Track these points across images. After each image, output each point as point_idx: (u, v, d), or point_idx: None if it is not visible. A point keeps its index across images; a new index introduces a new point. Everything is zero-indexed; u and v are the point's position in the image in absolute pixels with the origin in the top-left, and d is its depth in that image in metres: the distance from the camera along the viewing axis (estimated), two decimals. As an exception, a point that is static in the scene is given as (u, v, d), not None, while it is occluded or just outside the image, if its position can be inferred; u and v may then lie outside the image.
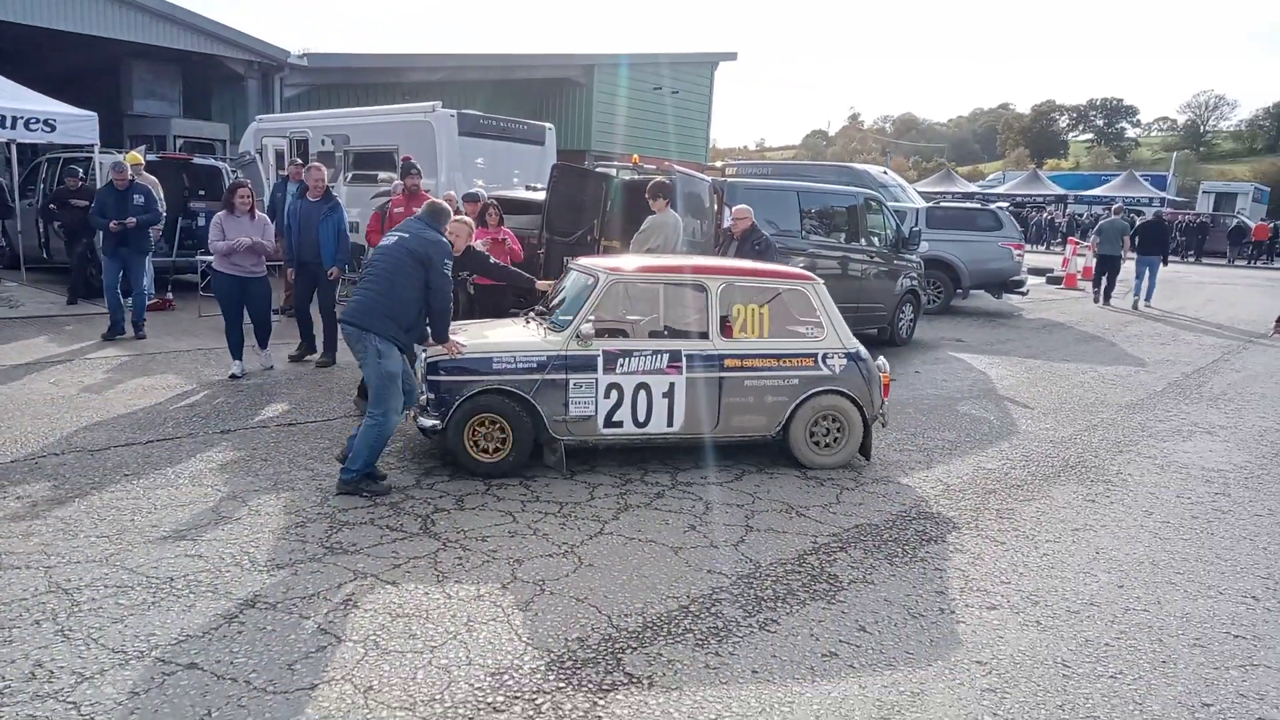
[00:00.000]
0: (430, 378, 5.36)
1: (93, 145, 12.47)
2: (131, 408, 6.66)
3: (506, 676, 3.24)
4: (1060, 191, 45.25)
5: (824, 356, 5.83)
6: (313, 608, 3.68)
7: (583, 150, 23.63)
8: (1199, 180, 54.21)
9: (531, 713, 3.03)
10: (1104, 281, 16.82)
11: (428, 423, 5.39)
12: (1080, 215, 39.29)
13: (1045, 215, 39.30)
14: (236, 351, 7.76)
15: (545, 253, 8.94)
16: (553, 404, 5.40)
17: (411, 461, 5.73)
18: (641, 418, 5.53)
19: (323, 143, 14.48)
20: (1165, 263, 17.24)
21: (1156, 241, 16.86)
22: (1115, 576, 4.48)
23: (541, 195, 10.01)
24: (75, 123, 12.21)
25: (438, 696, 3.09)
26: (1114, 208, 20.63)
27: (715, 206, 8.21)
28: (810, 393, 5.77)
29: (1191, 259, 32.32)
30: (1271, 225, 35.93)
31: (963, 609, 4.02)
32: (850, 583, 4.22)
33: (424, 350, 5.44)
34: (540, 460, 5.58)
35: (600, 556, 4.37)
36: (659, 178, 8.56)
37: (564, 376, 5.40)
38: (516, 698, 3.11)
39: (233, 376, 7.64)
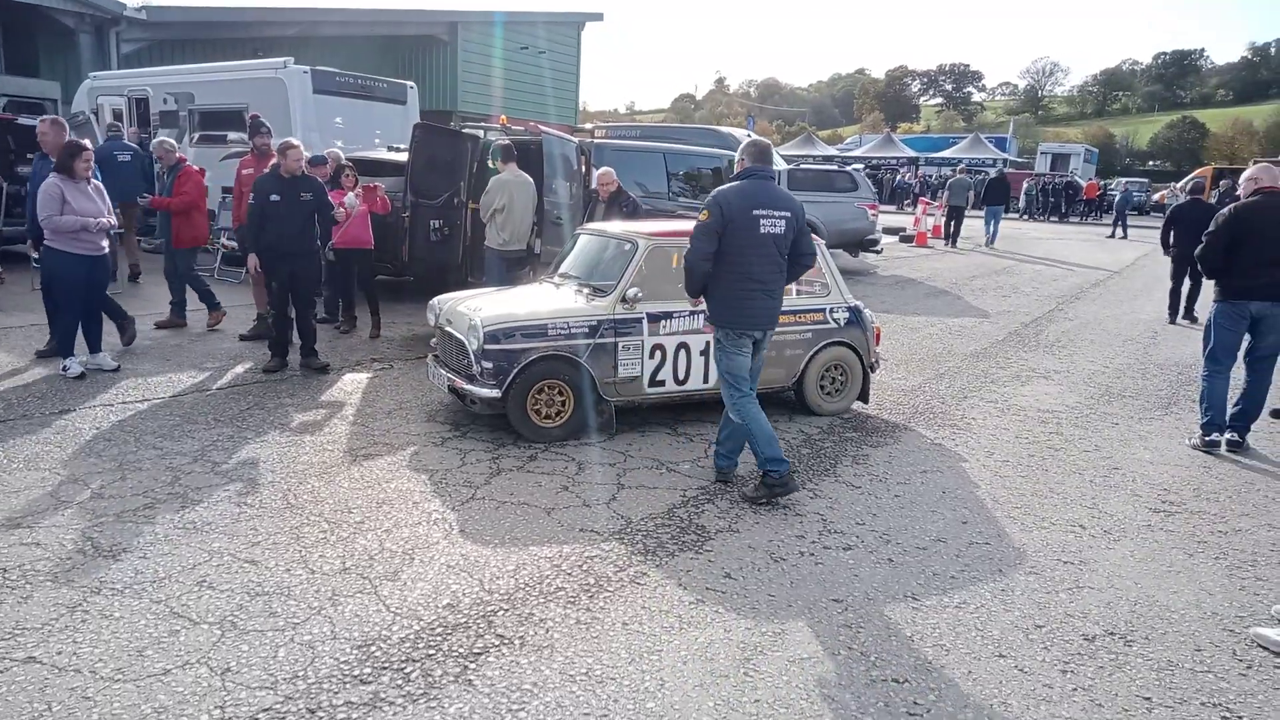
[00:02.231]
0: (487, 347, 5.37)
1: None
2: (-50, 390, 6.10)
3: (374, 648, 3.19)
4: (912, 154, 47.33)
5: (831, 311, 6.31)
6: (164, 591, 3.51)
7: (449, 111, 22.96)
8: (1037, 142, 57.76)
9: (401, 681, 3.00)
10: (953, 227, 20.78)
11: (485, 392, 5.40)
12: (930, 176, 41.22)
13: (899, 176, 41.02)
14: (70, 346, 6.58)
15: (410, 216, 8.70)
16: (603, 367, 5.60)
17: (276, 433, 5.51)
18: (682, 375, 5.83)
19: (165, 101, 13.56)
20: (1006, 210, 22.05)
21: (999, 195, 21.66)
22: (960, 514, 4.80)
23: (404, 157, 9.71)
24: None
25: (300, 673, 3.01)
26: (959, 168, 24.94)
27: (583, 169, 8.16)
28: (822, 345, 6.26)
29: (1057, 220, 33.87)
30: (1100, 184, 38.75)
31: (821, 551, 4.23)
32: (717, 532, 4.36)
33: (476, 318, 5.47)
34: (414, 426, 5.47)
35: (471, 522, 4.34)
36: (505, 140, 8.50)
37: (613, 339, 5.60)
38: (385, 668, 3.07)
39: (80, 377, 6.48)
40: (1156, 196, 39.79)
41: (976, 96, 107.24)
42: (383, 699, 2.90)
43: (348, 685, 2.96)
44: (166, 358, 7.32)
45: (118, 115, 14.01)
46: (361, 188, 8.48)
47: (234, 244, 10.29)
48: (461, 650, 3.21)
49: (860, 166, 21.06)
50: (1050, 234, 27.29)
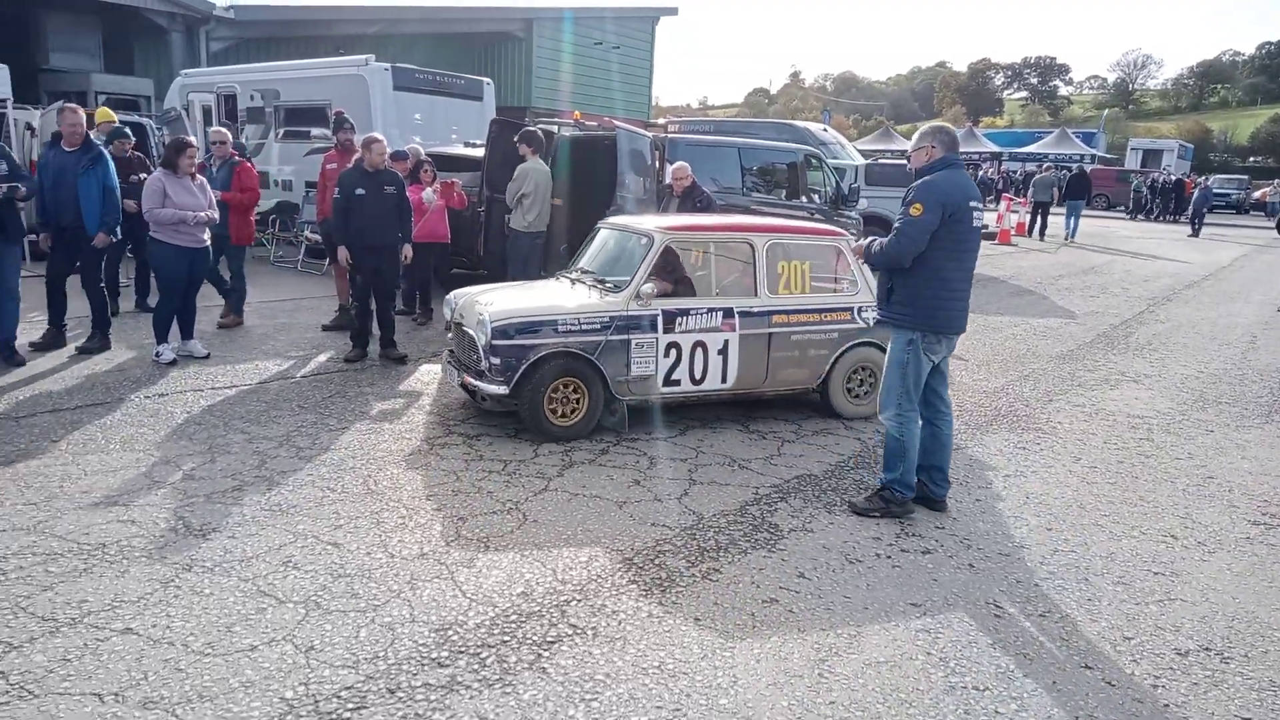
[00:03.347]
0: (495, 342, 5.25)
1: (4, 100, 11.87)
2: (58, 373, 6.42)
3: (451, 632, 3.24)
4: (995, 149, 46.02)
5: (859, 310, 6.04)
6: (251, 570, 3.62)
7: (523, 106, 23.21)
8: (1127, 137, 55.56)
9: (476, 666, 3.04)
10: (1039, 221, 21.87)
11: (493, 388, 5.29)
12: (1014, 172, 40.03)
13: (981, 172, 39.95)
14: (165, 334, 6.85)
15: (486, 211, 8.82)
16: (616, 364, 5.42)
17: (357, 420, 5.65)
18: (698, 375, 5.63)
19: (251, 98, 13.99)
20: (1089, 205, 23.26)
21: (1080, 190, 22.51)
22: (1044, 520, 4.64)
23: (480, 152, 9.86)
24: (-17, 75, 11.60)
25: (381, 654, 3.08)
26: (1044, 167, 26.02)
27: (657, 163, 8.16)
28: (848, 345, 6.01)
29: (1172, 219, 32.10)
30: (1195, 181, 37.07)
31: (898, 554, 4.14)
32: (790, 531, 4.31)
33: (484, 313, 5.34)
34: (492, 418, 5.54)
35: (545, 513, 4.38)
36: (530, 127, 8.63)
37: (626, 337, 5.43)
38: (461, 652, 3.12)
39: (172, 363, 6.75)
40: (1258, 194, 37.87)
41: (1063, 90, 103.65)
42: (459, 682, 2.94)
43: (425, 667, 3.02)
44: (253, 346, 7.57)
45: (206, 111, 14.55)
46: (439, 183, 8.62)
47: (317, 237, 10.59)
48: (535, 638, 3.24)
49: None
50: (1140, 232, 26.24)
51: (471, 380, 5.44)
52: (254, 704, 2.76)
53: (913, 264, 4.32)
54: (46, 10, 18.92)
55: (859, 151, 19.27)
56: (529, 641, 3.22)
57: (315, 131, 12.94)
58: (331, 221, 7.41)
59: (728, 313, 5.66)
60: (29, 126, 12.59)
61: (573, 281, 6.02)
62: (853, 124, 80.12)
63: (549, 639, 3.24)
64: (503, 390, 5.28)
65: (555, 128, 9.62)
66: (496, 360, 5.26)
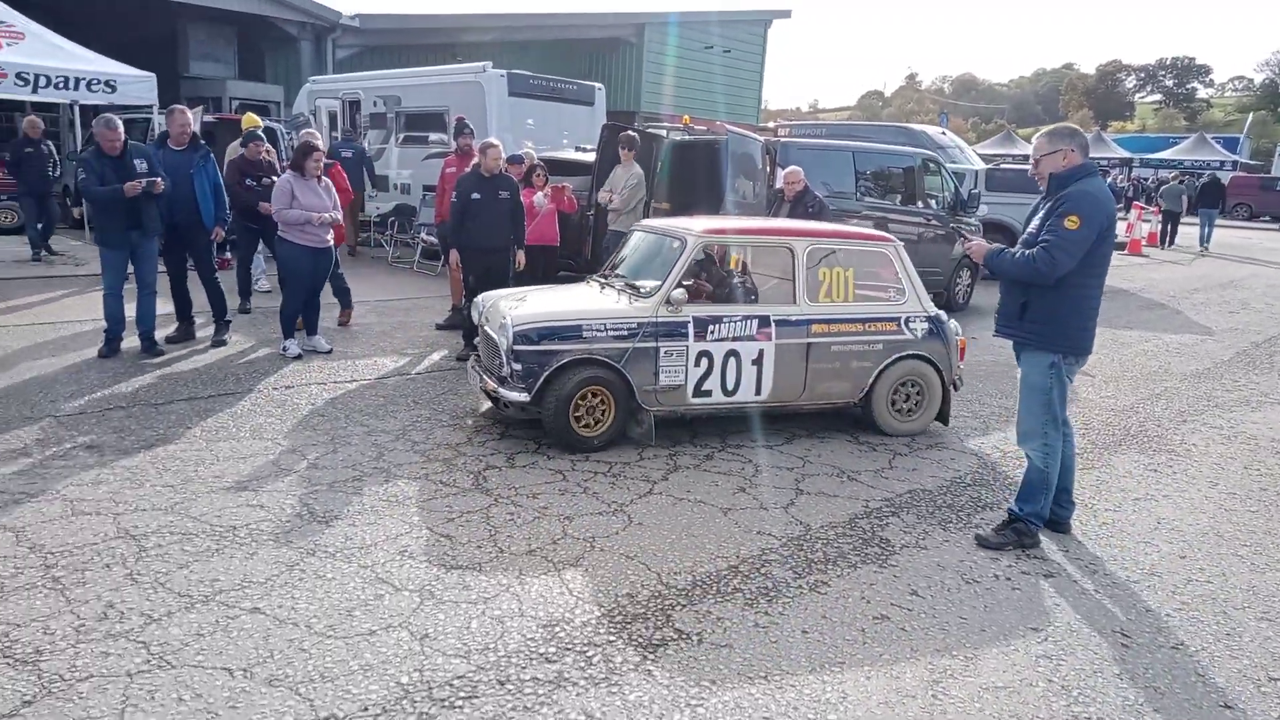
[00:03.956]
0: (517, 347, 5.06)
1: (150, 106, 12.71)
2: (193, 363, 6.83)
3: (558, 628, 3.28)
4: (1125, 155, 43.66)
5: (906, 320, 5.72)
6: (370, 557, 3.76)
7: (633, 111, 23.40)
8: (1275, 142, 51.79)
9: (583, 664, 3.06)
10: (1168, 229, 21.76)
11: (514, 395, 5.10)
12: (1145, 179, 37.91)
13: (1109, 179, 38.01)
14: (292, 329, 7.19)
15: (595, 214, 8.92)
16: (643, 373, 5.20)
17: (463, 418, 5.80)
18: (730, 386, 5.37)
19: (375, 104, 14.57)
20: (1225, 214, 23.28)
21: (1213, 198, 21.79)
22: (1177, 547, 4.36)
23: (591, 157, 9.99)
24: (135, 84, 12.45)
25: (491, 645, 3.14)
26: (1174, 176, 25.78)
27: (768, 168, 8.08)
28: (894, 358, 5.66)
29: None
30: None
31: (1018, 576, 3.96)
32: (902, 547, 4.18)
33: (507, 317, 5.20)
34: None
35: (649, 515, 4.39)
36: (629, 130, 8.71)
37: (654, 344, 5.20)
38: (568, 649, 3.15)
39: (298, 357, 7.04)
40: None
41: (1203, 92, 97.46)
42: (566, 679, 2.97)
43: (534, 662, 3.06)
44: (371, 343, 7.87)
45: (333, 116, 15.23)
46: (550, 187, 8.77)
47: (433, 239, 10.93)
48: (641, 640, 3.24)
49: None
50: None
51: (493, 386, 5.26)
52: (372, 687, 2.86)
53: (1065, 283, 3.95)
54: (188, 22, 20.18)
55: (979, 156, 18.62)
56: (635, 643, 3.22)
57: (433, 136, 13.39)
58: (448, 224, 7.63)
59: (764, 321, 5.39)
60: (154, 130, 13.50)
61: (603, 285, 5.81)
62: (971, 127, 77.51)
63: (655, 641, 3.24)
64: (524, 397, 5.07)
65: (664, 132, 9.67)
66: (518, 366, 5.08)
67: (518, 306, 5.38)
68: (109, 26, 18.87)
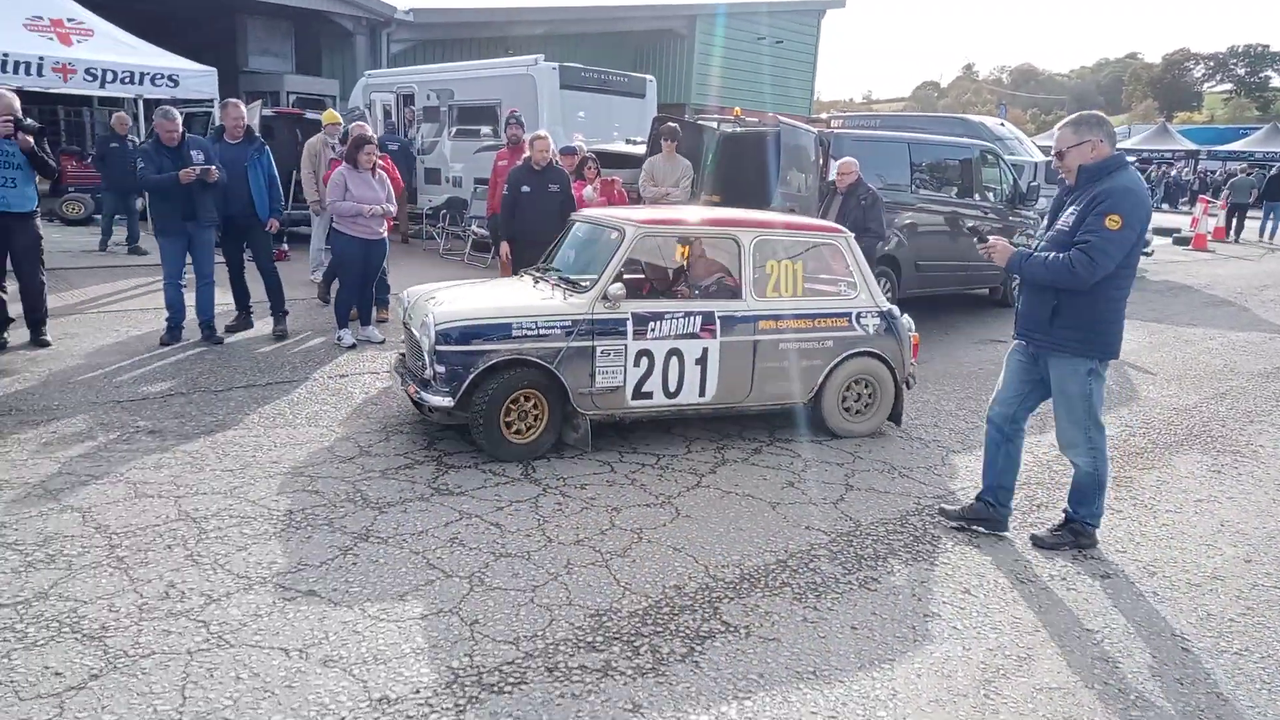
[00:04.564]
0: (439, 348, 4.70)
1: (212, 100, 13.01)
2: (251, 352, 6.99)
3: (605, 618, 3.30)
4: (1192, 146, 42.24)
5: (858, 316, 5.43)
6: (421, 544, 3.82)
7: (682, 103, 23.33)
8: (1352, 133, 49.63)
9: (630, 654, 3.07)
10: (1234, 223, 20.82)
11: (436, 400, 4.73)
12: (1212, 172, 36.67)
13: (1174, 172, 36.85)
14: (346, 319, 7.29)
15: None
16: (578, 375, 4.85)
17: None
18: (673, 387, 5.05)
19: (428, 97, 14.72)
20: None
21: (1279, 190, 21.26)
22: (1242, 550, 4.23)
23: (641, 149, 9.98)
24: (197, 78, 12.73)
25: (539, 633, 3.17)
26: (1241, 169, 25.14)
27: (821, 160, 7.99)
28: (845, 355, 5.38)
29: None
30: None
31: (1073, 576, 3.87)
32: (955, 545, 4.12)
33: (430, 314, 4.83)
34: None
35: (697, 508, 4.38)
36: (672, 122, 8.66)
37: (590, 343, 4.84)
38: (615, 639, 3.16)
39: (352, 347, 7.19)
40: None
41: (1276, 81, 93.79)
42: (614, 668, 2.98)
43: (581, 650, 3.08)
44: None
45: (387, 110, 15.43)
46: (599, 180, 8.78)
47: (484, 231, 11.03)
48: (688, 632, 3.24)
49: (1130, 160, 19.52)
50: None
51: (415, 390, 4.91)
52: (424, 670, 2.91)
53: (1102, 285, 3.73)
54: (247, 17, 20.59)
55: (1038, 148, 18.22)
56: (681, 634, 3.22)
57: (484, 130, 13.49)
58: (499, 216, 7.68)
59: (708, 317, 5.08)
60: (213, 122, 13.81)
61: (536, 280, 5.46)
62: (1030, 119, 75.63)
63: (702, 633, 3.24)
64: (447, 402, 4.71)
65: (714, 124, 9.61)
66: (441, 368, 4.72)
67: (443, 303, 5.01)
68: (171, 22, 19.32)
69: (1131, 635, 3.41)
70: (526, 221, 7.24)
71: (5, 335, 6.74)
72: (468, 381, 4.69)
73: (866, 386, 5.54)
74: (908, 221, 8.72)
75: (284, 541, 3.77)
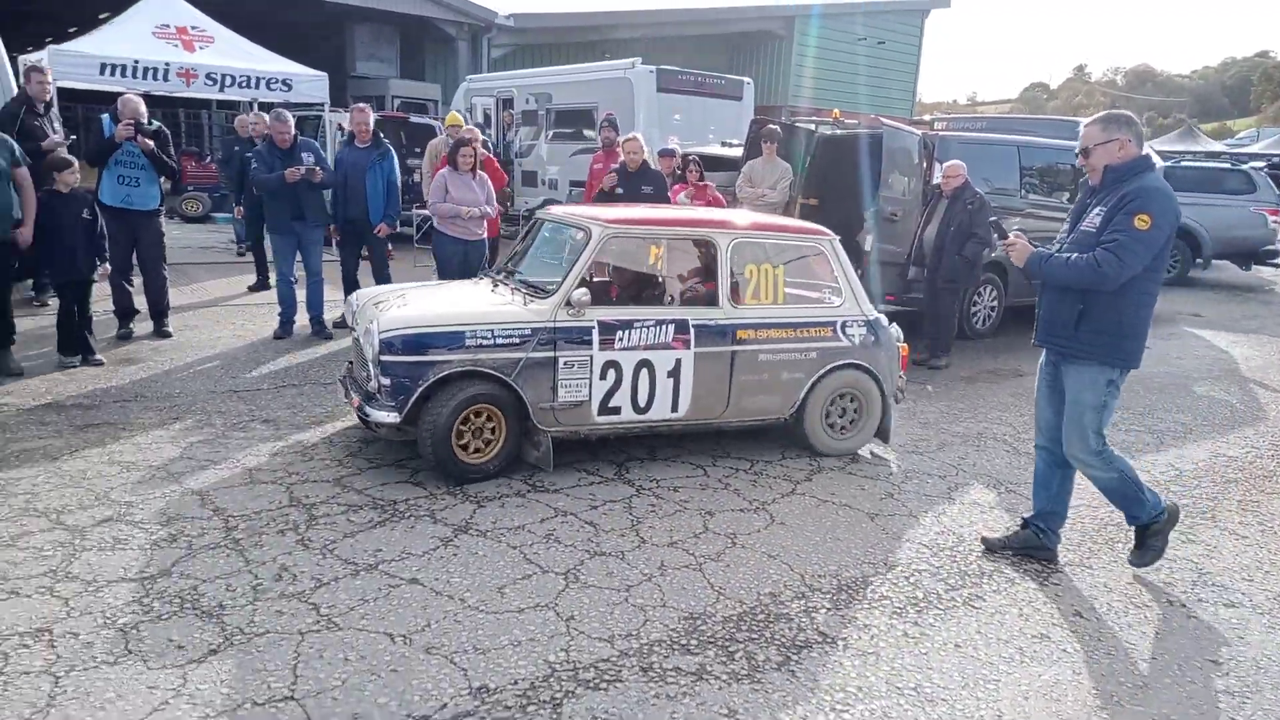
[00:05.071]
0: (384, 358, 4.30)
1: (322, 104, 13.53)
2: (357, 345, 7.23)
3: (700, 622, 3.28)
4: (1324, 151, 39.55)
5: (843, 325, 5.07)
6: (519, 539, 3.87)
7: (779, 105, 23.12)
8: None
9: (725, 659, 3.05)
10: None
11: (381, 415, 4.34)
12: (1349, 178, 34.22)
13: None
14: None
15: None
16: (539, 388, 4.47)
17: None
18: (643, 402, 4.68)
19: (527, 101, 14.99)
20: None
21: None
22: (1387, 585, 3.92)
23: (737, 152, 9.92)
24: (309, 83, 13.25)
25: (634, 633, 3.17)
26: None
27: (924, 163, 7.79)
28: (829, 367, 5.02)
29: None
30: None
31: (1195, 603, 3.66)
32: (1066, 565, 3.95)
33: (373, 323, 4.46)
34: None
35: (792, 516, 4.32)
36: (772, 124, 8.53)
37: (552, 354, 4.47)
38: (710, 643, 3.14)
39: None
40: None
41: None
42: (708, 672, 2.97)
43: (675, 652, 3.07)
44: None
45: (487, 114, 15.77)
46: (692, 186, 8.74)
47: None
48: (784, 640, 3.19)
49: (1260, 165, 18.20)
50: None
51: (359, 403, 4.51)
52: (521, 662, 2.95)
53: (1129, 289, 3.54)
54: (356, 24, 21.37)
55: (1156, 153, 17.35)
56: (777, 642, 3.18)
57: (581, 133, 13.65)
58: None
59: (681, 326, 4.70)
60: (340, 127, 14.33)
61: (495, 283, 5.08)
62: (1147, 122, 72.08)
63: (798, 643, 3.19)
64: (393, 418, 4.31)
65: (812, 126, 9.48)
66: (387, 381, 4.31)
67: (390, 308, 4.66)
68: (285, 28, 20.19)
69: (1262, 669, 3.20)
70: None
71: (131, 326, 7.16)
72: (415, 395, 4.29)
73: (852, 401, 5.17)
74: (1016, 227, 8.37)
75: (388, 530, 3.89)
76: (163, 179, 7.19)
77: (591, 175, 8.96)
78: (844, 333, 5.07)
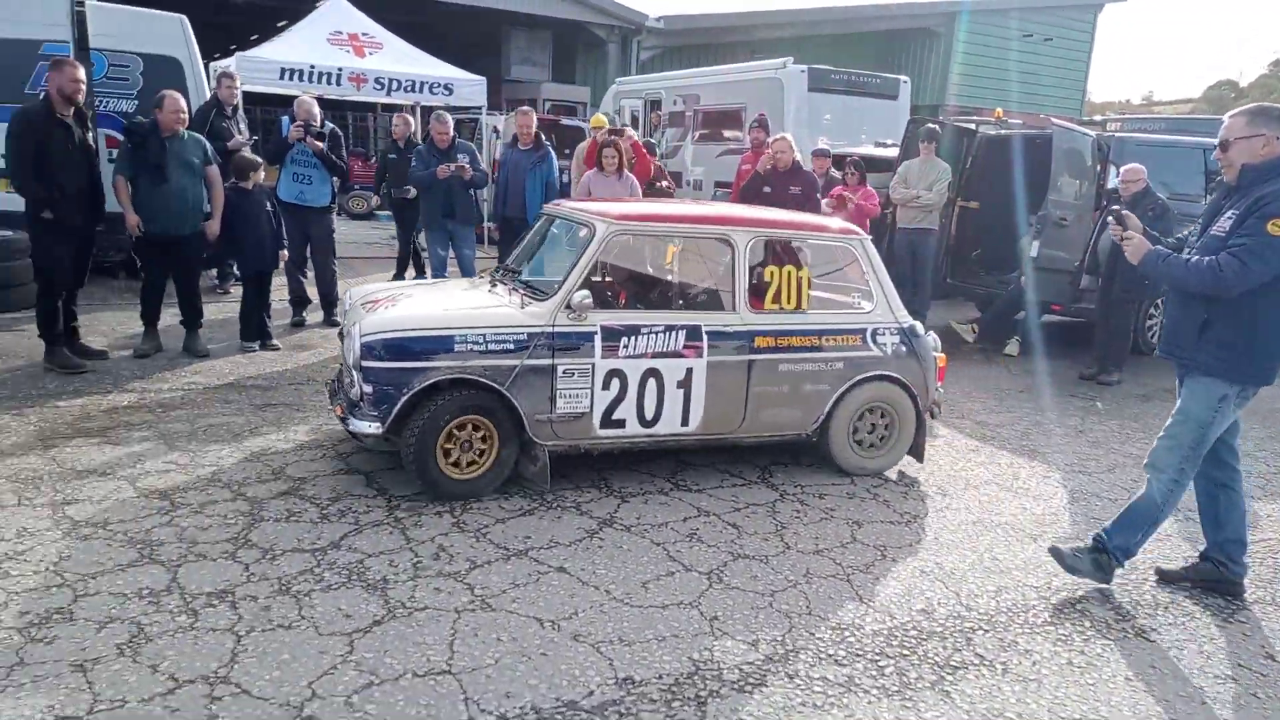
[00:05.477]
0: (365, 363, 3.98)
1: (479, 108, 14.07)
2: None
3: (848, 633, 3.20)
4: None
5: (874, 333, 4.67)
6: (662, 536, 3.89)
7: (934, 105, 22.30)
8: None
9: (875, 673, 2.96)
10: None
11: (363, 425, 4.03)
12: None
13: None
14: None
15: (893, 212, 8.60)
16: (535, 398, 4.12)
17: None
18: (650, 414, 4.32)
19: (674, 103, 15.07)
20: None
21: None
22: None
23: (892, 152, 9.64)
24: (468, 86, 13.80)
25: (779, 638, 3.12)
26: None
27: (1098, 165, 7.33)
28: (857, 379, 4.62)
29: None
30: None
31: None
32: (1255, 602, 3.61)
33: (355, 325, 4.18)
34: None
35: (946, 531, 4.15)
36: (931, 123, 8.20)
37: (549, 361, 4.12)
38: (858, 656, 3.06)
39: None
40: None
41: None
42: (857, 685, 2.88)
43: (823, 662, 3.00)
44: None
45: (634, 116, 15.95)
46: (846, 189, 8.53)
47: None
48: (938, 659, 3.07)
49: None
50: None
51: (343, 412, 4.20)
52: (666, 657, 2.96)
53: (1261, 299, 3.26)
54: (511, 28, 22.10)
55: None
56: (930, 661, 3.06)
57: (728, 134, 13.60)
58: None
59: (693, 332, 4.34)
60: (495, 130, 14.88)
61: (494, 283, 4.76)
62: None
63: (953, 663, 3.05)
64: (374, 428, 3.99)
65: (973, 125, 9.10)
66: (369, 388, 3.99)
67: (378, 309, 4.38)
68: (443, 32, 21.12)
69: None
70: None
71: (304, 315, 7.66)
72: (400, 404, 3.96)
73: (882, 416, 4.78)
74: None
75: (537, 519, 3.99)
76: (334, 178, 7.66)
77: (739, 176, 8.92)
78: (874, 341, 4.67)
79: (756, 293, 4.58)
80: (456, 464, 4.10)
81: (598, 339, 4.18)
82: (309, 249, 7.66)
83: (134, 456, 4.42)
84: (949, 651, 3.12)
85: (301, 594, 3.20)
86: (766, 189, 7.30)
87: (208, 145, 6.51)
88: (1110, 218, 3.84)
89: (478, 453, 4.14)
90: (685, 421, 4.40)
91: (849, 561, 3.77)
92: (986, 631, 3.27)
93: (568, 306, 4.14)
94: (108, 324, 7.11)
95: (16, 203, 5.87)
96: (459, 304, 4.56)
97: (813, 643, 3.12)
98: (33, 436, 4.62)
